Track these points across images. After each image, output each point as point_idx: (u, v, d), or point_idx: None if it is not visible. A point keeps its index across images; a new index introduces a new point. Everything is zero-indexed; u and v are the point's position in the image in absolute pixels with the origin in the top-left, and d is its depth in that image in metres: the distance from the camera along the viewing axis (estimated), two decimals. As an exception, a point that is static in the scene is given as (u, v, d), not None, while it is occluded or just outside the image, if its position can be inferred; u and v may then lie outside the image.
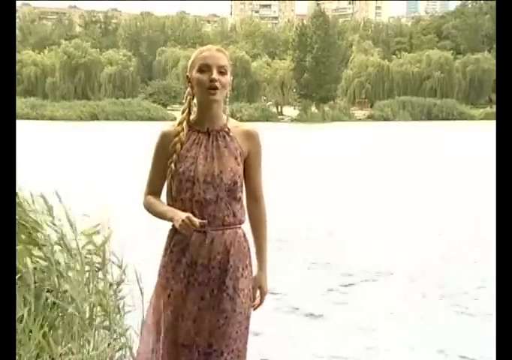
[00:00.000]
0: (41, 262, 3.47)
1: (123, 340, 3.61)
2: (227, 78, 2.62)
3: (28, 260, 3.23)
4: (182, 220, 2.48)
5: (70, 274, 3.53)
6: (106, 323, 3.57)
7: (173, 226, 2.68)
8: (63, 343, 3.37)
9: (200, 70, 2.60)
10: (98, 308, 3.55)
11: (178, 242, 2.64)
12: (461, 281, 6.94)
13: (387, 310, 5.90)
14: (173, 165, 2.61)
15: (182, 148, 2.63)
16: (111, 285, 3.67)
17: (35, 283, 3.35)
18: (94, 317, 3.47)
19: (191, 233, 2.59)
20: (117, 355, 3.57)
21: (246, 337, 2.67)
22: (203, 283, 2.60)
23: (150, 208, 2.70)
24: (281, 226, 8.95)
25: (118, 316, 3.61)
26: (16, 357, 3.02)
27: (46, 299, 3.43)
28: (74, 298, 3.40)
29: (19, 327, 3.09)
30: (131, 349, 3.62)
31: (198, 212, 2.59)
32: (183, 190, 2.60)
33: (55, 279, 3.50)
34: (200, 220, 2.51)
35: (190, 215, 2.50)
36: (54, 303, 3.49)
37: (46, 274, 3.49)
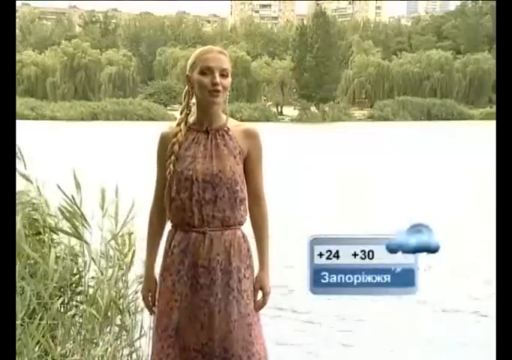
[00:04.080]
0: (66, 261, 3.50)
1: (131, 340, 3.62)
2: (229, 80, 2.62)
3: (52, 257, 3.25)
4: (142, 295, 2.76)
5: (93, 273, 3.56)
6: (118, 323, 3.58)
7: (172, 226, 2.68)
8: (71, 343, 3.37)
9: (202, 73, 2.59)
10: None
11: (177, 243, 2.62)
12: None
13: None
14: (171, 165, 2.60)
15: (180, 149, 2.62)
16: (129, 285, 3.67)
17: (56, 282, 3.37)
18: (108, 316, 3.47)
19: (190, 234, 2.60)
20: (125, 353, 3.57)
21: (264, 341, 2.65)
22: (205, 286, 2.57)
23: (148, 229, 2.74)
24: (280, 226, 8.93)
25: (130, 315, 3.61)
26: (20, 358, 3.02)
27: (67, 293, 3.46)
28: (97, 298, 3.41)
29: (29, 324, 3.09)
30: (136, 349, 3.62)
31: (197, 212, 2.58)
32: (182, 190, 2.58)
33: (77, 278, 3.54)
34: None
35: (147, 295, 2.73)
36: (69, 301, 3.51)
37: (75, 272, 3.54)
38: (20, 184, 3.60)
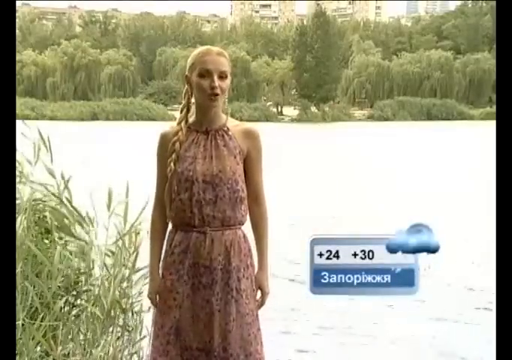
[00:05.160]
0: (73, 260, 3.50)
1: (133, 340, 3.62)
2: (227, 82, 2.62)
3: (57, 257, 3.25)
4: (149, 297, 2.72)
5: (98, 273, 3.57)
6: (121, 323, 3.58)
7: (173, 226, 2.69)
8: (73, 344, 3.37)
9: (201, 75, 2.59)
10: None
11: (178, 243, 2.63)
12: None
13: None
14: (172, 164, 2.60)
15: (181, 147, 2.63)
16: (133, 284, 3.68)
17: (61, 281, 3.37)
18: (112, 315, 3.47)
19: (191, 234, 2.60)
20: (127, 354, 3.57)
21: (262, 340, 2.66)
22: (207, 286, 2.58)
23: (151, 230, 2.74)
24: (281, 226, 8.94)
25: (133, 315, 3.61)
26: (21, 358, 3.02)
27: (72, 293, 3.47)
28: (100, 297, 3.42)
29: (30, 324, 3.08)
30: (138, 349, 3.62)
31: (197, 212, 2.58)
32: (182, 190, 2.59)
33: (83, 277, 3.55)
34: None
35: (154, 297, 2.68)
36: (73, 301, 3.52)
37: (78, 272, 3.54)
38: (45, 179, 3.60)
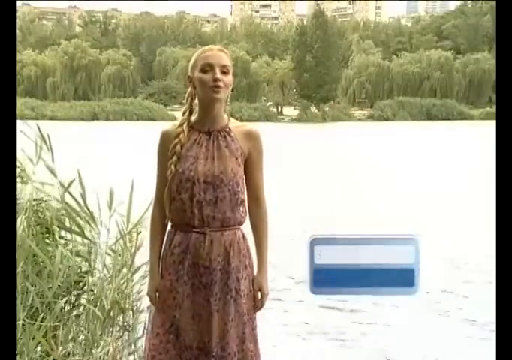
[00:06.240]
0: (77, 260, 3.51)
1: (133, 339, 3.62)
2: (230, 78, 2.62)
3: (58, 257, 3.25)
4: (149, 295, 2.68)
5: (99, 273, 3.57)
6: (121, 323, 3.58)
7: (172, 226, 2.69)
8: (73, 343, 3.38)
9: (203, 70, 2.59)
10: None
11: (178, 244, 2.63)
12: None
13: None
14: (172, 166, 2.60)
15: (182, 149, 2.62)
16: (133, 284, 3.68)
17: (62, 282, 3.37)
18: (112, 315, 3.47)
19: (190, 235, 2.60)
20: (126, 353, 3.57)
21: (256, 339, 2.67)
22: (207, 286, 2.59)
23: (150, 229, 2.73)
24: (281, 226, 8.93)
25: (133, 315, 3.62)
26: (21, 358, 3.02)
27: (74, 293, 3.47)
28: (100, 297, 3.42)
29: (31, 324, 3.08)
30: (137, 349, 3.62)
31: (198, 212, 2.58)
32: (183, 190, 2.59)
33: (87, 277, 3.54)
34: None
35: (154, 295, 2.65)
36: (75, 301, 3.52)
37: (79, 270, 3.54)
38: (47, 179, 3.60)
